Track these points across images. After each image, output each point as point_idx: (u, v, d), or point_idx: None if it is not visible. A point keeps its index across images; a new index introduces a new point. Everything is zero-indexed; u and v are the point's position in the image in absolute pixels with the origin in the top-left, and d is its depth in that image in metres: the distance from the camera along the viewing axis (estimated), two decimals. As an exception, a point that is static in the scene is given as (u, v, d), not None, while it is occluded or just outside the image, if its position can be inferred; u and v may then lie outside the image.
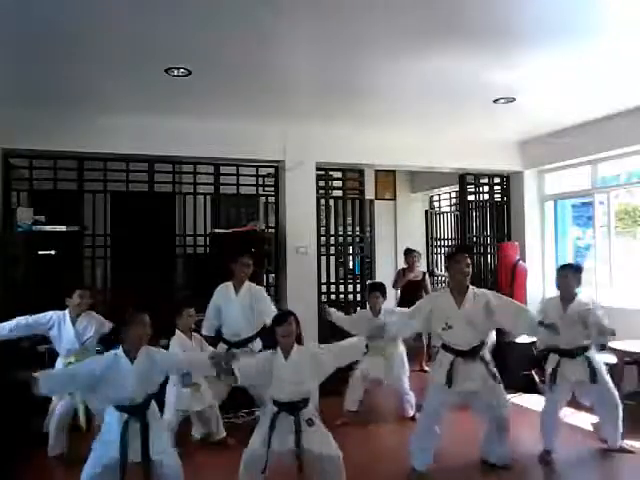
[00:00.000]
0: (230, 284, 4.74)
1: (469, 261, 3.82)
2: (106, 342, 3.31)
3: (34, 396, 3.18)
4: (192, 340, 4.30)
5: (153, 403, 3.10)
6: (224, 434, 4.43)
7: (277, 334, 3.27)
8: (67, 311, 4.16)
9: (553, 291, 6.65)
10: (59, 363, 4.12)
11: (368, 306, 5.14)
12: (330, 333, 5.69)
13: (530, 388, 5.74)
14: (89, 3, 2.97)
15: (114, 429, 2.95)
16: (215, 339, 4.68)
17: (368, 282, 5.97)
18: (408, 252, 7.06)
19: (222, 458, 4.10)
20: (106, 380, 2.94)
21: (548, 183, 6.81)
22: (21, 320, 4.09)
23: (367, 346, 4.91)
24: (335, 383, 5.41)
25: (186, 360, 3.64)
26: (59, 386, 3.20)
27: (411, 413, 5.06)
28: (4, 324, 4.06)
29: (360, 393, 5.05)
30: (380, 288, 5.17)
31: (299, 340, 3.33)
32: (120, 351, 3.01)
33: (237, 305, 4.68)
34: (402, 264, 7.48)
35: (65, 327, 4.11)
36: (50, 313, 4.14)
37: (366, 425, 4.98)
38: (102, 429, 3.07)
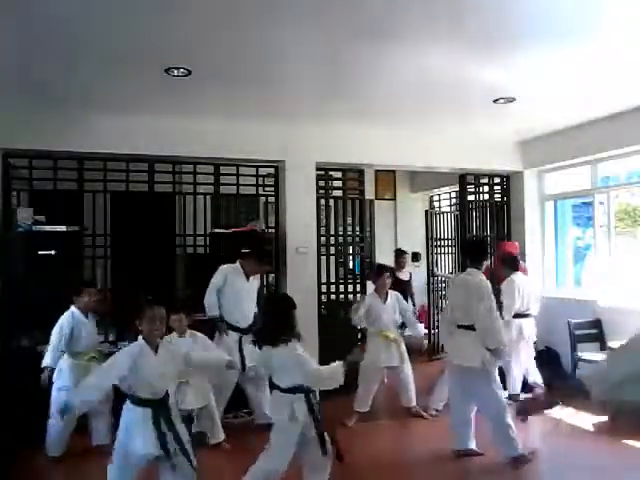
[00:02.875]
0: (239, 269, 4.74)
1: None
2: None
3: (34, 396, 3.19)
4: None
5: (172, 400, 3.09)
6: (222, 437, 4.37)
7: (293, 318, 3.19)
8: (75, 309, 4.18)
9: (553, 290, 6.70)
10: (66, 361, 4.11)
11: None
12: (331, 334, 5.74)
13: (530, 388, 5.74)
14: (89, 3, 2.98)
15: (137, 426, 2.90)
16: (217, 323, 4.68)
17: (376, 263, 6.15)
18: (400, 253, 7.56)
19: (216, 462, 4.10)
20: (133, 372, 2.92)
21: (548, 183, 6.81)
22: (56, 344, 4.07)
23: (364, 334, 5.10)
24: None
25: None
26: (94, 394, 3.04)
27: (414, 402, 5.09)
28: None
29: (373, 391, 5.05)
30: (390, 269, 5.50)
31: None
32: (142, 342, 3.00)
33: (249, 291, 4.74)
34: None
35: (84, 324, 4.17)
36: (62, 322, 4.13)
37: (380, 421, 5.06)
38: (121, 428, 2.98)
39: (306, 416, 3.10)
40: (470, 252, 4.52)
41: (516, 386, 5.49)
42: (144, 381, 2.93)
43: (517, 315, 5.43)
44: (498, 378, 4.09)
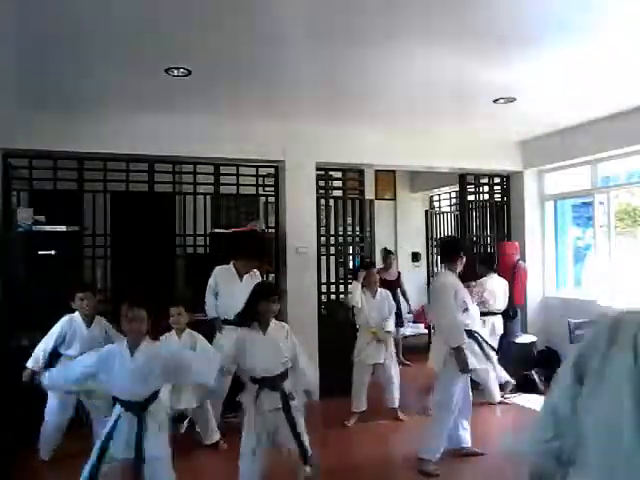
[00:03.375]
0: (231, 269, 4.77)
1: None
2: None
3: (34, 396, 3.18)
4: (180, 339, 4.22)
5: (158, 401, 3.03)
6: (216, 437, 4.36)
7: (260, 307, 3.21)
8: (76, 314, 4.11)
9: (553, 290, 6.70)
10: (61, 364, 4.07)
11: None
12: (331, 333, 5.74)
13: (530, 388, 5.75)
14: (89, 3, 2.98)
15: (116, 427, 2.89)
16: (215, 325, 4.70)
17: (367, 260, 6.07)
18: (387, 253, 7.45)
19: (213, 462, 4.12)
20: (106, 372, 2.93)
21: (548, 183, 6.81)
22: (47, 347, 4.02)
23: (357, 329, 5.09)
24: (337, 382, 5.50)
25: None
26: (61, 382, 3.21)
27: (397, 404, 5.07)
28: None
29: (364, 389, 5.06)
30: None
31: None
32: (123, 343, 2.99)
33: (243, 290, 4.70)
34: (401, 264, 7.57)
35: (79, 329, 4.06)
36: (60, 324, 4.07)
37: (380, 421, 5.04)
38: (106, 425, 2.99)
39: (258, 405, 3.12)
40: (441, 252, 4.54)
41: (502, 374, 5.53)
42: (116, 381, 2.91)
43: (490, 313, 5.61)
44: (458, 385, 3.97)
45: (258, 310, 3.21)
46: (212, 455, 4.26)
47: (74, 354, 3.98)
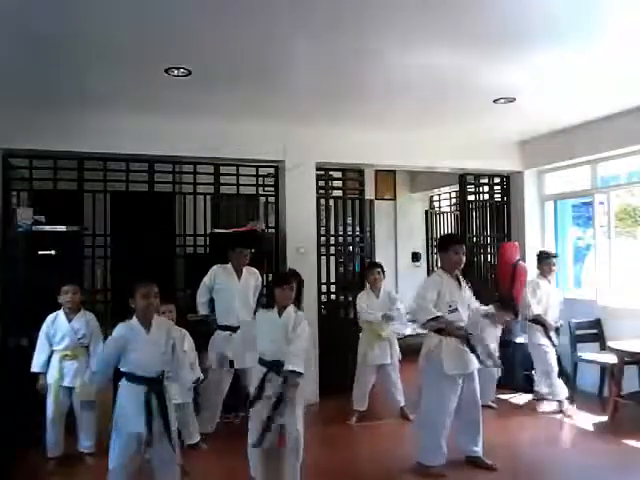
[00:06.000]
0: (230, 268, 4.77)
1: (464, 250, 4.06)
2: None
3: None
4: None
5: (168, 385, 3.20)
6: (197, 438, 4.35)
7: (275, 294, 3.39)
8: (62, 309, 4.19)
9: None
10: (54, 359, 4.11)
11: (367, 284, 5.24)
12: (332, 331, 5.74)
13: (530, 388, 5.74)
14: (89, 3, 2.98)
15: (131, 404, 3.02)
16: (209, 322, 4.72)
17: (367, 261, 6.09)
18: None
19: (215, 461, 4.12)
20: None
21: (548, 183, 6.81)
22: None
23: (361, 329, 5.14)
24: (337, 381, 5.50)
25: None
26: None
27: (403, 402, 5.07)
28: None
29: (367, 389, 5.06)
30: (380, 266, 5.33)
31: (299, 302, 3.45)
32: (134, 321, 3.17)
33: (240, 290, 4.75)
34: (401, 264, 7.56)
35: (59, 322, 4.14)
36: (44, 325, 4.16)
37: (380, 421, 5.04)
38: (117, 409, 3.10)
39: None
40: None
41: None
42: (136, 356, 3.09)
43: None
44: (442, 386, 3.85)
45: (274, 296, 3.40)
46: (215, 454, 4.27)
47: (61, 348, 4.11)
